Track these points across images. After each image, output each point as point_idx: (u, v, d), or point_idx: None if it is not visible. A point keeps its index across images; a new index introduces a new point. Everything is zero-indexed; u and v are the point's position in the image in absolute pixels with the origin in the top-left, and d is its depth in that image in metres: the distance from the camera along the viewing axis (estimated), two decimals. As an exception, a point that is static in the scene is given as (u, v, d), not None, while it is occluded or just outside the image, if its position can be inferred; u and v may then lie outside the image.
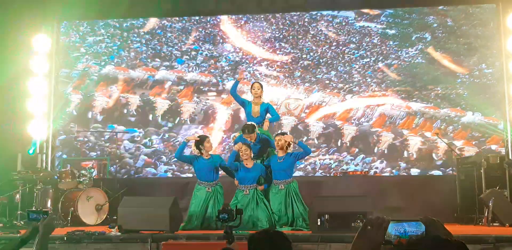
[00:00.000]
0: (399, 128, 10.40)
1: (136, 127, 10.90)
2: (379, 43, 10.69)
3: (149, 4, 10.80)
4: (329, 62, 10.76)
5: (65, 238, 6.86)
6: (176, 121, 10.88)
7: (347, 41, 10.79)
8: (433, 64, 10.49)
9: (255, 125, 8.07)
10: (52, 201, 8.97)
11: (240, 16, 11.08)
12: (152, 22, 11.20)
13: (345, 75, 10.67)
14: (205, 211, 7.83)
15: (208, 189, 7.91)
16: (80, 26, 11.35)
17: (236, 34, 11.03)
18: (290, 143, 7.87)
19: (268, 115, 8.41)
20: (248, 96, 10.46)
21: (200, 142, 7.99)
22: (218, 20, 11.12)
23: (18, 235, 6.96)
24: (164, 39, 11.17)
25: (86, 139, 10.95)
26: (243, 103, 8.49)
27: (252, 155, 7.90)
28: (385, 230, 2.71)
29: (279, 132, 8.68)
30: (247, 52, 10.93)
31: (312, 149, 10.44)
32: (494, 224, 8.12)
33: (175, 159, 10.63)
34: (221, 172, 8.22)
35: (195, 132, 10.73)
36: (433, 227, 2.87)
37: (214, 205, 7.82)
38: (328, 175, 10.35)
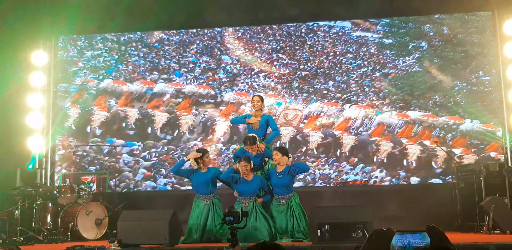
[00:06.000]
0: (398, 136, 10.39)
1: (135, 140, 10.90)
2: (376, 52, 10.72)
3: (146, 18, 10.84)
4: (326, 72, 10.78)
5: (65, 253, 6.84)
6: (175, 134, 10.89)
7: (344, 51, 10.81)
8: (430, 72, 10.51)
9: (256, 137, 8.05)
10: (52, 216, 8.96)
11: (238, 28, 11.13)
12: (155, 34, 11.25)
13: (342, 85, 10.69)
14: (205, 224, 7.80)
15: (206, 202, 7.90)
16: (78, 41, 11.39)
17: (233, 46, 11.06)
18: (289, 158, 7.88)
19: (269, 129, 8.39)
20: (247, 108, 10.55)
21: (200, 156, 7.97)
22: (216, 32, 11.16)
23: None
24: (162, 52, 11.21)
25: (85, 153, 10.95)
26: (245, 118, 8.45)
27: (252, 165, 7.86)
28: (389, 241, 2.70)
29: (278, 145, 8.63)
30: (244, 64, 10.97)
31: (311, 159, 10.46)
32: (495, 231, 8.09)
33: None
34: (219, 184, 8.20)
35: (194, 144, 10.74)
36: (437, 237, 2.84)
37: (213, 217, 7.79)
38: (327, 185, 10.33)
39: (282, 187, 7.81)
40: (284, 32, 11.05)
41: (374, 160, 10.36)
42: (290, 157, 7.98)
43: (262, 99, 8.47)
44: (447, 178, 10.08)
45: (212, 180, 7.94)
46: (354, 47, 10.80)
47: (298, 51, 10.92)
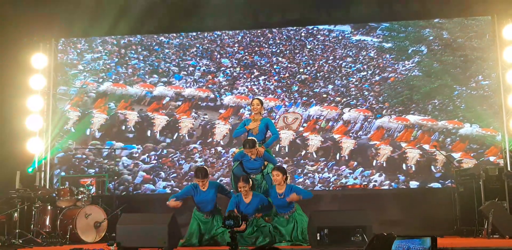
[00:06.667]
0: (397, 140, 10.40)
1: (134, 143, 10.90)
2: (375, 56, 10.73)
3: (146, 21, 10.85)
4: (326, 76, 10.79)
5: (64, 256, 6.84)
6: (175, 137, 10.89)
7: (343, 55, 10.83)
8: (429, 76, 10.52)
9: (256, 140, 8.03)
10: (51, 219, 8.94)
11: (237, 32, 11.15)
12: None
13: (342, 89, 10.70)
14: (204, 230, 7.79)
15: (207, 216, 7.87)
16: (78, 44, 11.41)
17: (233, 50, 11.08)
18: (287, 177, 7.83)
19: (269, 132, 8.37)
20: (247, 111, 10.56)
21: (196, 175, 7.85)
22: (216, 36, 11.18)
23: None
24: (161, 55, 11.23)
25: (84, 156, 10.95)
26: (244, 126, 8.43)
27: (251, 184, 7.79)
28: (390, 246, 2.70)
29: (278, 165, 8.48)
30: (244, 67, 10.98)
31: (311, 163, 10.46)
32: (494, 236, 8.09)
33: (174, 175, 10.64)
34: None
35: (194, 147, 10.74)
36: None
37: (213, 225, 7.77)
38: (327, 189, 10.33)
39: (284, 207, 7.76)
40: (284, 36, 11.07)
41: (374, 163, 10.36)
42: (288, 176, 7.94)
43: (261, 102, 8.46)
44: (446, 182, 10.07)
45: (212, 198, 7.86)
46: (353, 51, 10.81)
47: (297, 55, 10.93)
